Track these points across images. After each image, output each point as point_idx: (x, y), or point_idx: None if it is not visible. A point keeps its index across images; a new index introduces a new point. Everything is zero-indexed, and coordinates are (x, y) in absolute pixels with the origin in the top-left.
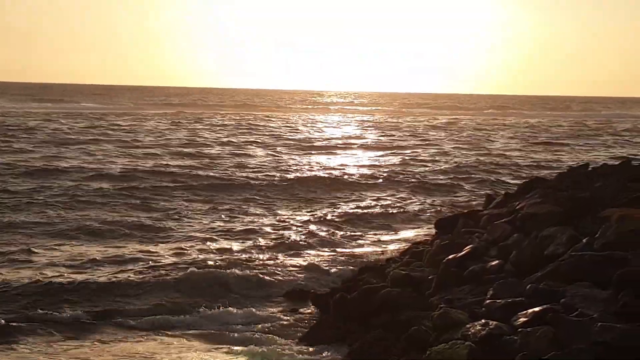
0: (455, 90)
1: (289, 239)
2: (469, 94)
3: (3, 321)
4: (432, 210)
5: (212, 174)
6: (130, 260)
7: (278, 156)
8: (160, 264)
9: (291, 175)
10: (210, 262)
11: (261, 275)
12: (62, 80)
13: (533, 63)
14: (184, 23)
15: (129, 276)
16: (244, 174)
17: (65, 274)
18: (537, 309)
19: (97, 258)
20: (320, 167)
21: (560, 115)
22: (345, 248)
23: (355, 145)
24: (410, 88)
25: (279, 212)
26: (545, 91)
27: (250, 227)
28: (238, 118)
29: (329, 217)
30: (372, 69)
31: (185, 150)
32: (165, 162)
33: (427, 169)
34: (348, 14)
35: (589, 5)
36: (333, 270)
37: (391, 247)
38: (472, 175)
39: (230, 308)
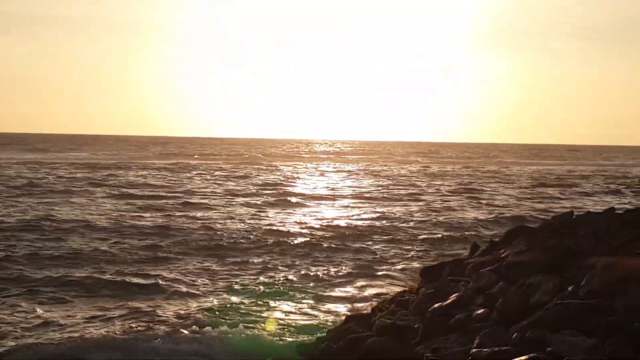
0: (442, 139)
1: (274, 289)
2: (459, 143)
3: None
4: (418, 258)
5: (199, 225)
6: (129, 315)
7: (267, 208)
8: (145, 320)
9: (277, 227)
10: (193, 316)
11: (245, 327)
12: (37, 130)
13: (522, 111)
14: (171, 70)
15: (133, 330)
16: (231, 227)
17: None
18: (523, 357)
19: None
20: (308, 217)
21: (549, 164)
22: (330, 298)
23: (348, 196)
24: (399, 137)
25: (265, 262)
26: (535, 140)
27: (235, 279)
28: (231, 168)
29: (314, 267)
30: (361, 118)
31: (172, 202)
32: (160, 215)
33: (414, 217)
34: (328, 68)
35: (579, 55)
36: (319, 319)
37: (377, 295)
38: (462, 224)
39: None
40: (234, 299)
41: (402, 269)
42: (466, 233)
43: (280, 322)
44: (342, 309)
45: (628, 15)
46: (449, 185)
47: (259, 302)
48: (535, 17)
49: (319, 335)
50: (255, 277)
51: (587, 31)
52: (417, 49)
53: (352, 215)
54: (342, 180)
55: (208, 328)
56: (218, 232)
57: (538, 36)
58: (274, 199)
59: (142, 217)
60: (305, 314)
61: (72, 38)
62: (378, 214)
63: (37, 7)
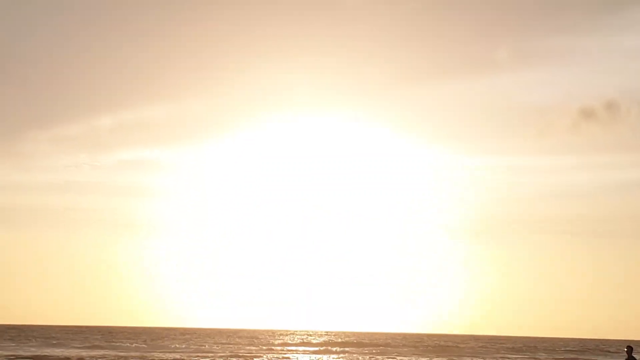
0: (425, 330)
1: None
2: (444, 334)
3: None
4: None
5: None
6: None
7: None
8: None
9: None
10: None
11: None
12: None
13: (504, 302)
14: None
15: None
16: None
17: None
18: None
19: None
20: None
21: (534, 357)
22: None
23: None
24: (370, 327)
25: None
26: (517, 332)
27: None
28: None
29: None
30: (332, 307)
31: None
32: None
33: None
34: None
35: (554, 247)
36: None
37: None
38: None
39: None
40: None
41: None
42: None
43: None
44: None
45: (604, 211)
46: None
47: None
48: (513, 210)
49: None
50: None
51: (562, 225)
52: (396, 235)
53: None
54: None
55: None
56: None
57: (516, 228)
58: None
59: None
60: None
61: (50, 228)
62: None
63: (15, 197)
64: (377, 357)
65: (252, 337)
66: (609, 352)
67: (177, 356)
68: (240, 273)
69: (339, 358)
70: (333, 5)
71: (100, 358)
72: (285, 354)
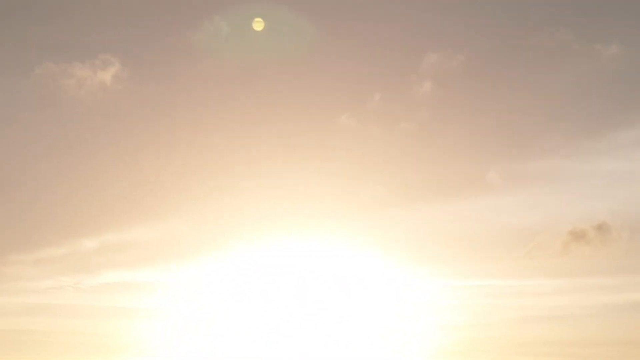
0: None
1: None
2: None
3: None
4: None
5: None
6: None
7: None
8: None
9: None
10: None
11: None
12: None
13: None
14: None
15: None
16: None
17: None
18: None
19: None
20: None
21: None
22: None
23: None
24: None
25: None
26: None
27: None
28: None
29: None
30: None
31: None
32: None
33: None
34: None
35: None
36: None
37: None
38: None
39: None
40: None
41: None
42: None
43: None
44: None
45: (589, 335)
46: None
47: None
48: (497, 333)
49: None
50: None
51: (546, 348)
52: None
53: None
54: None
55: None
56: None
57: (499, 351)
58: None
59: None
60: None
61: (33, 352)
62: None
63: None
64: None
65: None
66: None
67: None
68: None
69: None
70: (322, 128)
71: None
72: None
